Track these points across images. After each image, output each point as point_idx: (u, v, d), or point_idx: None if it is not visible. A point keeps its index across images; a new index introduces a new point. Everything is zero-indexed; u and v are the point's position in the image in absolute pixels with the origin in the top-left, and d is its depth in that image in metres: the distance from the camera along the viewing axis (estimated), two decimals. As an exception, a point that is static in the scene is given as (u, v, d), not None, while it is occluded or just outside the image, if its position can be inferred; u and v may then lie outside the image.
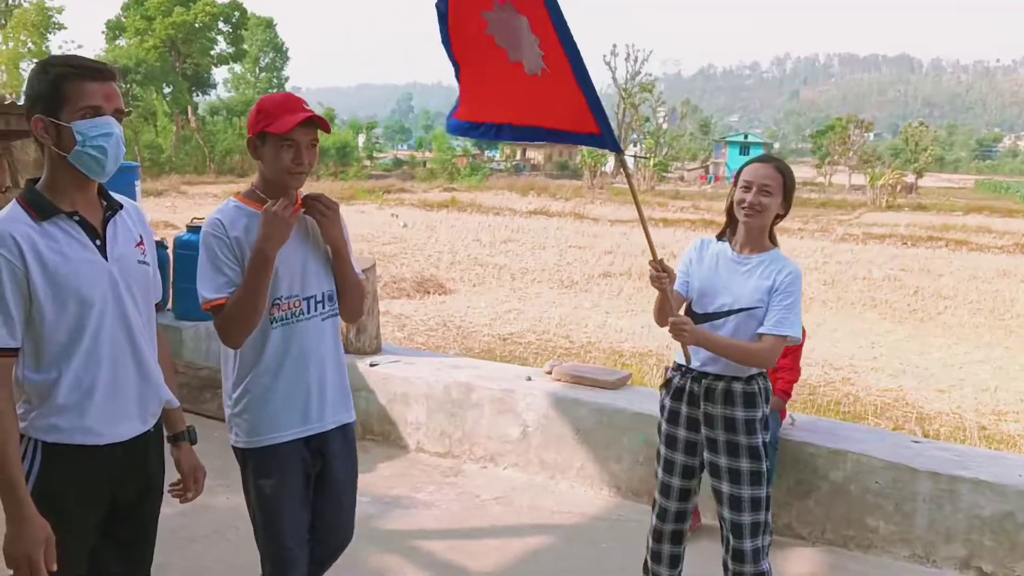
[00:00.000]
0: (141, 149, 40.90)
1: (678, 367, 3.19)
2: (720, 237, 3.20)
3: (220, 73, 70.59)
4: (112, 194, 2.20)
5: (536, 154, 74.91)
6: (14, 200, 2.06)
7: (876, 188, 43.28)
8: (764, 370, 3.12)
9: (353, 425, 2.82)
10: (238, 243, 2.45)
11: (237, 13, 49.23)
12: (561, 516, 4.66)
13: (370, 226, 21.98)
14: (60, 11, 45.93)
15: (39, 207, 2.04)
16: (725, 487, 3.08)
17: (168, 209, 23.40)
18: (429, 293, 13.72)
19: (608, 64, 65.01)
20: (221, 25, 48.97)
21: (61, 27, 46.15)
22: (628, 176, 3.16)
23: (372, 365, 5.73)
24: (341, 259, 2.60)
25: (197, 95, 50.66)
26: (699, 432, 3.14)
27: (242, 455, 2.60)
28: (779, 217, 3.12)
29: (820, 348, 10.58)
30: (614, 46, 64.82)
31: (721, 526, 3.18)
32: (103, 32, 49.19)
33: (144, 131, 44.73)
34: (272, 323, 2.50)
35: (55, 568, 1.97)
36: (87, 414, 2.08)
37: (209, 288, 2.44)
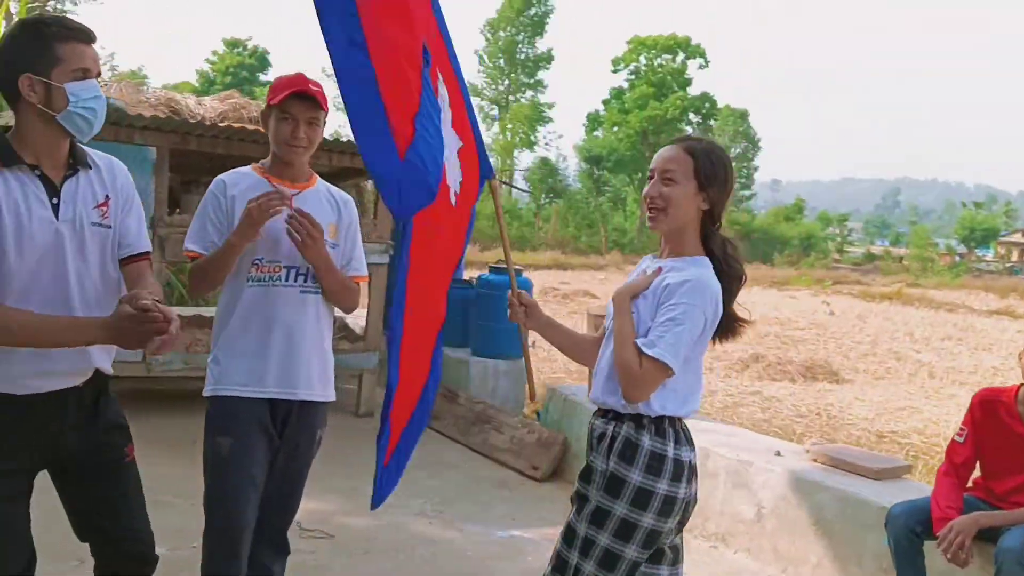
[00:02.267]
0: (608, 231, 43.95)
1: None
2: None
3: (692, 162, 73.67)
4: (92, 153, 2.31)
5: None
6: None
7: None
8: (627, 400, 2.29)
9: (322, 406, 2.77)
10: (232, 202, 2.60)
11: (708, 104, 51.14)
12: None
13: (793, 311, 20.97)
14: (550, 107, 52.14)
15: (4, 156, 2.11)
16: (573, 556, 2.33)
17: (600, 281, 24.76)
18: (816, 379, 12.61)
19: None
20: (691, 116, 51.21)
21: (549, 120, 52.19)
22: (497, 205, 2.81)
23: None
24: (321, 274, 2.64)
25: (664, 182, 53.46)
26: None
27: (207, 404, 2.69)
28: (707, 216, 2.38)
29: None
30: None
31: None
32: (583, 124, 54.43)
33: (614, 215, 48.20)
34: (248, 282, 2.61)
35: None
36: (13, 364, 2.13)
37: (192, 240, 2.64)
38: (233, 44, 55.68)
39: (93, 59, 2.16)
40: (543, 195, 47.66)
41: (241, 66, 54.50)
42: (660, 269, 2.37)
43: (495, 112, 54.62)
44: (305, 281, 2.66)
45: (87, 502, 2.37)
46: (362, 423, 6.75)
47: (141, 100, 6.16)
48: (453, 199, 2.59)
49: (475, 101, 55.08)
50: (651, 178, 2.38)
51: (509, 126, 50.06)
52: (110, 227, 2.29)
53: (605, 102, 52.99)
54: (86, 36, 2.15)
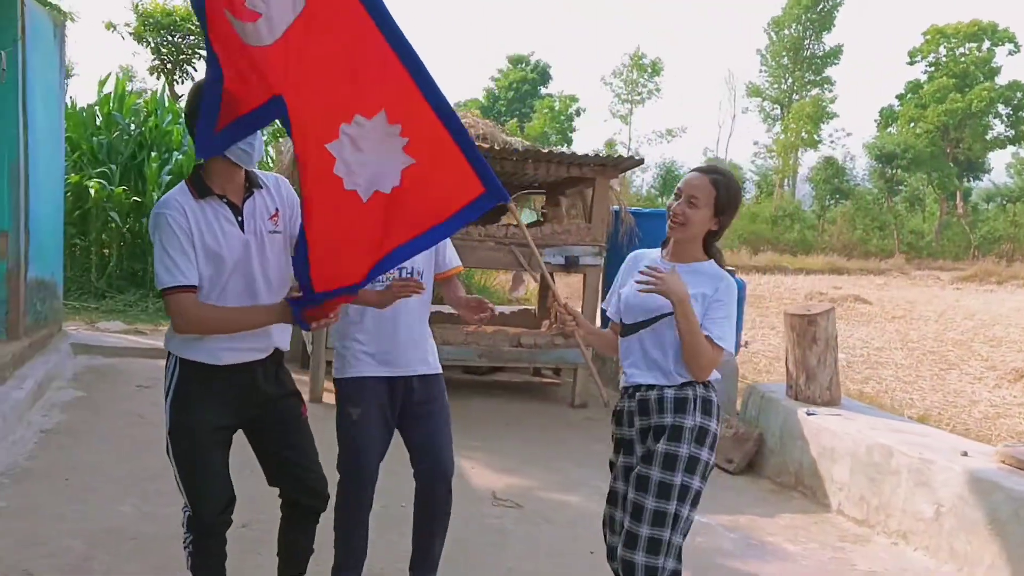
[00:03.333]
0: (902, 234, 41.28)
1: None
2: (663, 247, 3.01)
3: (1002, 157, 66.67)
4: (260, 175, 2.91)
5: None
6: (183, 181, 2.84)
7: None
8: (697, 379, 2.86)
9: (435, 376, 3.44)
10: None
11: (1020, 94, 46.26)
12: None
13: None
14: (832, 101, 49.67)
15: (200, 189, 2.76)
16: (630, 492, 2.83)
17: (878, 287, 23.47)
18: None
19: None
20: (1000, 108, 46.57)
21: (833, 116, 49.76)
22: (520, 225, 2.98)
23: (809, 414, 5.55)
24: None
25: (968, 180, 48.97)
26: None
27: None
28: (713, 233, 2.90)
29: None
30: None
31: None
32: (875, 120, 51.28)
33: (911, 217, 45.06)
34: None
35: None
36: (210, 340, 2.80)
37: None
38: (517, 60, 58.46)
39: None
40: (827, 196, 45.47)
41: (524, 81, 57.11)
42: (675, 268, 2.85)
43: (776, 112, 53.04)
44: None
45: (277, 446, 3.05)
46: (575, 413, 7.32)
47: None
48: (363, 195, 2.59)
49: (756, 102, 53.96)
50: (678, 196, 2.86)
51: (792, 125, 48.36)
52: (281, 232, 2.89)
53: (899, 96, 49.61)
54: None
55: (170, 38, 15.16)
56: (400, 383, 3.34)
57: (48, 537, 3.99)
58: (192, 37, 15.06)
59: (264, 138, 2.98)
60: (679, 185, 2.87)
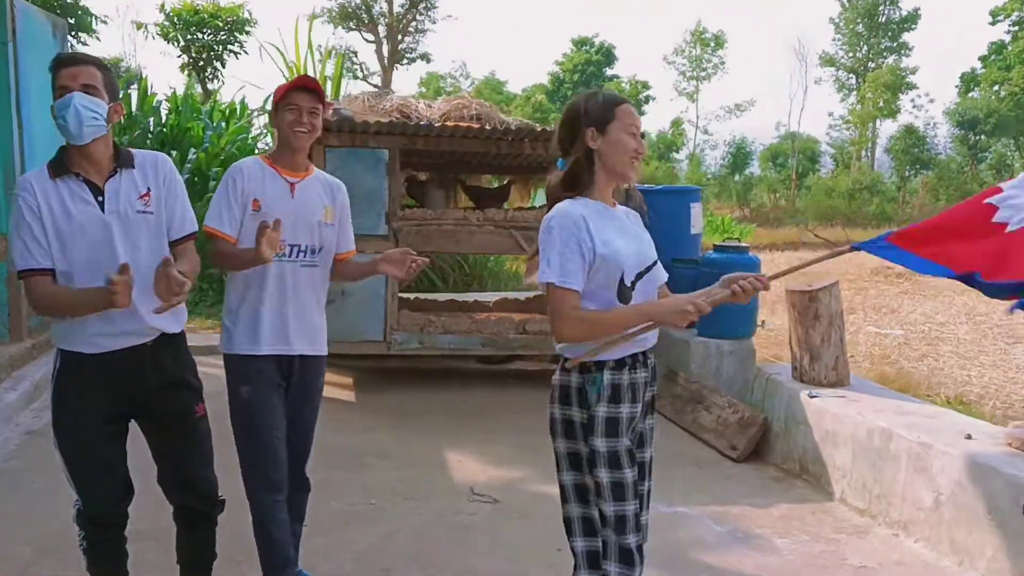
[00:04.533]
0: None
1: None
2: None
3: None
4: (137, 153, 2.85)
5: None
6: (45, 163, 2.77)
7: None
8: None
9: (316, 359, 3.30)
10: (243, 192, 3.11)
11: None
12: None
13: None
14: (913, 71, 47.83)
15: (56, 168, 2.71)
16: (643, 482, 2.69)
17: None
18: None
19: None
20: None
21: (912, 86, 47.92)
22: None
23: (811, 396, 5.24)
24: None
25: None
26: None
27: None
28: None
29: None
30: None
31: None
32: (956, 86, 49.25)
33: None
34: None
35: None
36: (86, 327, 2.72)
37: (214, 220, 3.11)
38: (581, 42, 57.92)
39: (71, 77, 2.64)
40: (907, 167, 43.78)
41: (588, 63, 56.52)
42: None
43: (852, 81, 51.35)
44: (304, 257, 3.18)
45: (159, 441, 2.97)
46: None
47: (377, 108, 7.03)
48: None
49: (829, 72, 52.28)
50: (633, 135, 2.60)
51: (868, 95, 46.72)
52: (153, 212, 2.80)
53: (982, 59, 47.55)
54: (68, 61, 2.70)
55: (199, 36, 15.40)
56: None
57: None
58: (221, 33, 15.31)
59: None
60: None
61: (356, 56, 38.71)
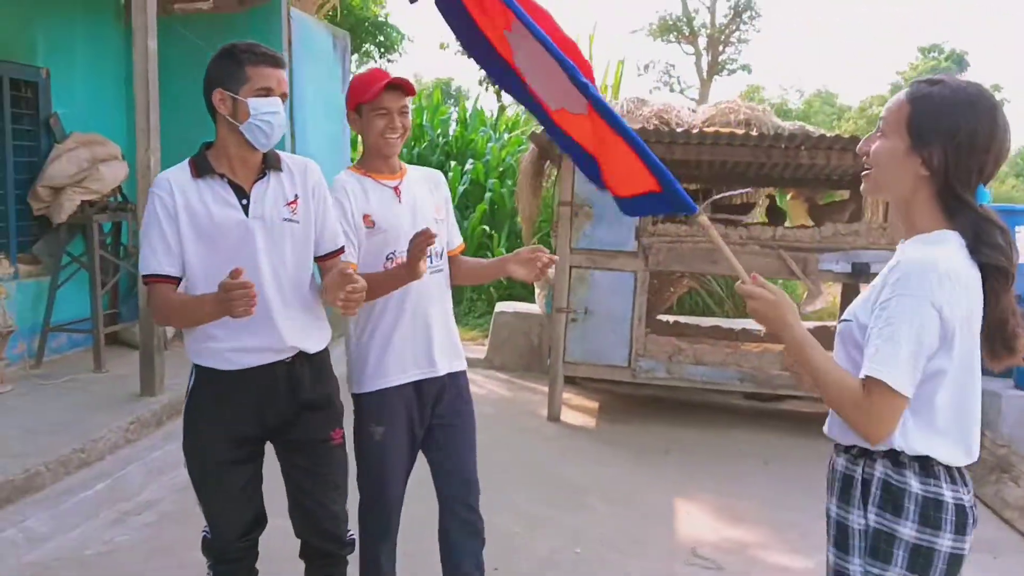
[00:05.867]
0: None
1: None
2: None
3: None
4: (286, 157, 2.64)
5: None
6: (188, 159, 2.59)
7: None
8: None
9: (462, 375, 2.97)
10: (353, 212, 2.77)
11: None
12: None
13: None
14: None
15: (199, 167, 2.53)
16: None
17: None
18: None
19: None
20: None
21: None
22: (714, 237, 2.14)
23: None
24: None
25: None
26: None
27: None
28: (946, 185, 1.82)
29: None
30: None
31: None
32: None
33: None
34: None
35: None
36: (218, 342, 2.53)
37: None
38: (929, 49, 53.66)
39: (278, 80, 2.49)
40: None
41: (934, 70, 52.19)
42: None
43: None
44: (431, 262, 2.84)
45: (290, 469, 2.73)
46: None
47: (635, 114, 6.53)
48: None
49: None
50: None
51: None
52: (299, 222, 2.59)
53: None
54: (273, 61, 2.51)
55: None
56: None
57: (181, 549, 3.99)
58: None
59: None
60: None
61: (674, 69, 38.44)
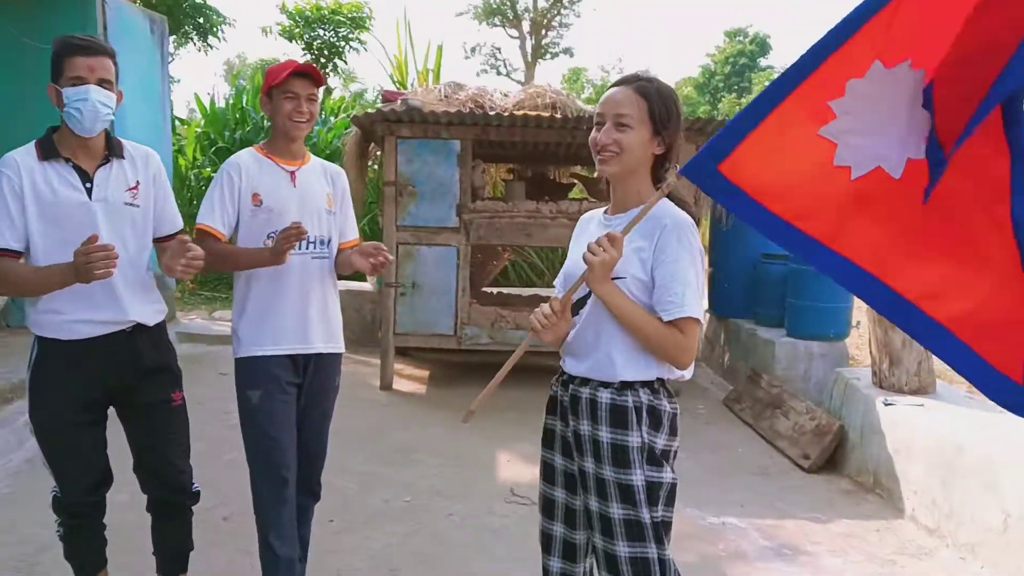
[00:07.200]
0: None
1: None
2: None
3: None
4: (128, 145, 2.91)
5: None
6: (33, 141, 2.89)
7: None
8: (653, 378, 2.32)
9: (333, 357, 3.20)
10: (241, 188, 3.05)
11: None
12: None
13: None
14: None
15: (45, 150, 2.75)
16: (597, 539, 2.33)
17: None
18: None
19: None
20: None
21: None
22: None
23: (886, 404, 4.89)
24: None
25: None
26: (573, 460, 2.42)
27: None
28: (661, 158, 2.33)
29: None
30: None
31: None
32: None
33: None
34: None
35: None
36: (63, 314, 2.78)
37: (207, 217, 3.06)
38: (734, 34, 56.29)
39: (88, 68, 2.68)
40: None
41: (741, 54, 54.83)
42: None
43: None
44: (314, 248, 3.11)
45: (136, 431, 3.03)
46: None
47: (452, 99, 7.05)
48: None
49: None
50: (599, 124, 2.35)
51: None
52: (139, 207, 2.88)
53: None
54: (84, 51, 2.70)
55: (321, 33, 15.88)
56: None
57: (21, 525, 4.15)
58: (342, 29, 15.74)
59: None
60: (598, 108, 2.37)
61: (500, 52, 39.08)
